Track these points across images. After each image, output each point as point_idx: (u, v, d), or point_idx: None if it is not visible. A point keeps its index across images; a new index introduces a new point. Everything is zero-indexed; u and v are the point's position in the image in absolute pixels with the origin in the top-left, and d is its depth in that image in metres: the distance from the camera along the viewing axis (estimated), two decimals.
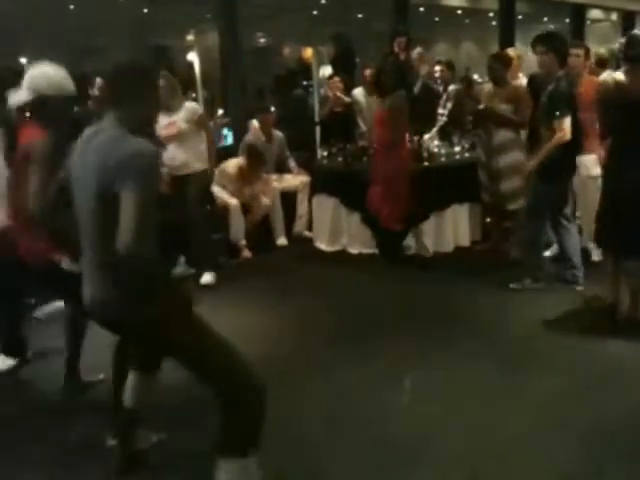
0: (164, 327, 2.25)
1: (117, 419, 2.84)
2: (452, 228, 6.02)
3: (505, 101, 5.28)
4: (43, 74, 3.23)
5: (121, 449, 2.77)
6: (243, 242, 6.13)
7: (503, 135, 5.30)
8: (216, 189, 6.00)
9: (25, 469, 2.94)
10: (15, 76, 3.49)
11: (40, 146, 3.11)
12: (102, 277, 2.28)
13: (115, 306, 2.28)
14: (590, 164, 5.08)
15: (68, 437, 3.14)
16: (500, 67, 5.41)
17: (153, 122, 2.41)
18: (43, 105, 3.18)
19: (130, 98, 2.28)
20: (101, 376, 3.57)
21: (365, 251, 6.00)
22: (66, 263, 3.09)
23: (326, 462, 2.83)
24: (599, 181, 5.03)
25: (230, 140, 8.11)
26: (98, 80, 5.08)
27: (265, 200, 6.28)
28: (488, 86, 5.71)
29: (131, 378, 2.75)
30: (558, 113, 4.47)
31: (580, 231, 5.20)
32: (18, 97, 3.22)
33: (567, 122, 4.48)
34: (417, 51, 7.22)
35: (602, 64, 5.79)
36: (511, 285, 4.87)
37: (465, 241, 6.08)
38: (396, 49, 7.22)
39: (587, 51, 5.24)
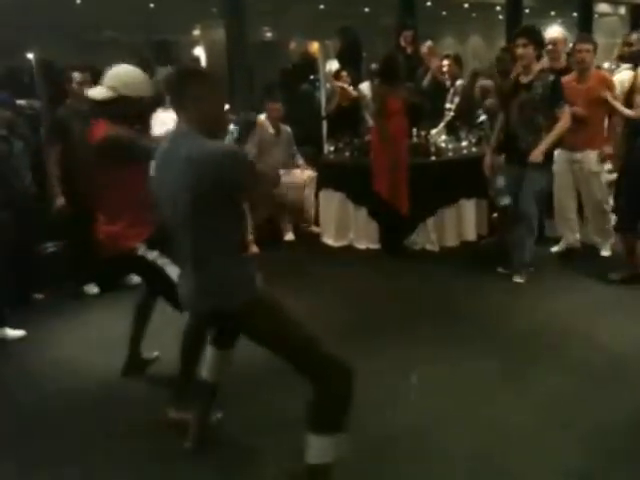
0: (256, 315, 2.37)
1: (186, 393, 3.03)
2: (458, 223, 6.02)
3: None
4: (122, 74, 3.23)
5: (198, 421, 2.93)
6: (250, 237, 6.13)
7: None
8: None
9: (87, 444, 3.09)
10: (23, 76, 3.47)
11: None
12: (198, 273, 2.37)
13: (212, 300, 2.38)
14: (594, 160, 5.08)
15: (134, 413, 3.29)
16: (509, 60, 5.40)
17: (223, 122, 2.43)
18: (120, 105, 3.18)
19: (195, 99, 2.31)
20: (156, 353, 3.74)
21: (372, 246, 6.01)
22: (142, 250, 3.13)
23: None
24: (602, 177, 5.06)
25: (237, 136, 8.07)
26: (76, 74, 4.94)
27: None
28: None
29: (210, 354, 2.90)
30: (562, 102, 4.53)
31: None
32: (96, 93, 3.23)
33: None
34: (427, 45, 7.19)
35: (623, 58, 5.78)
36: (514, 279, 4.88)
37: (471, 235, 6.08)
38: (402, 43, 7.20)
39: (595, 46, 5.22)
